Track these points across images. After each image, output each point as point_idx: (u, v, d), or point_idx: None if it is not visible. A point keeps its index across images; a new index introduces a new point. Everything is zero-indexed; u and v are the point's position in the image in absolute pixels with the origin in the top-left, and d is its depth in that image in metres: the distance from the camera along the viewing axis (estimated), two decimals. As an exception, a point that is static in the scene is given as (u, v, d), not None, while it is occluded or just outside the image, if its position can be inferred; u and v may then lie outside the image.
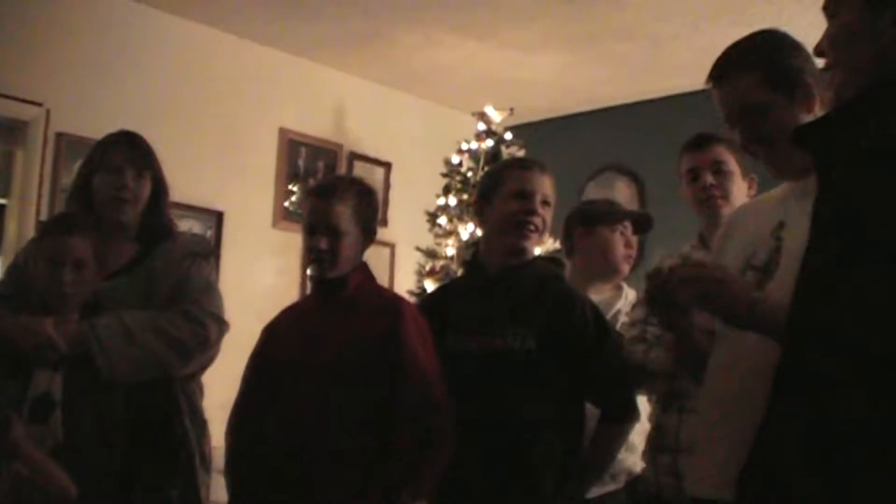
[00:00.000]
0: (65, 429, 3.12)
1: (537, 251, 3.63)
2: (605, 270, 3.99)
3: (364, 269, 3.40)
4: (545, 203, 3.33)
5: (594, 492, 3.51)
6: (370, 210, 3.39)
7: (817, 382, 1.63)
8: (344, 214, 3.25)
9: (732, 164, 3.49)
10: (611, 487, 3.66)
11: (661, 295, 2.43)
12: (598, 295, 3.80)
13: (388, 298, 3.41)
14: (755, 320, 2.24)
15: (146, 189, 3.55)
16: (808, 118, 2.45)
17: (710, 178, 3.47)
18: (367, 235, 3.37)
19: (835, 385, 1.60)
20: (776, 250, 2.45)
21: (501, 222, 3.36)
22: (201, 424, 3.52)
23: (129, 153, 3.53)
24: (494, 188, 3.40)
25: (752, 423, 2.27)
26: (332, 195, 3.29)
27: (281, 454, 3.17)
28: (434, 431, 3.08)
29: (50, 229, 3.49)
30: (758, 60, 2.52)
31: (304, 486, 3.09)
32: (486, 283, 3.37)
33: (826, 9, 1.99)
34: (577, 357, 3.22)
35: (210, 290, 3.58)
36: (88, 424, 3.17)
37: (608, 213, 4.02)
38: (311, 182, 6.89)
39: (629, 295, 3.97)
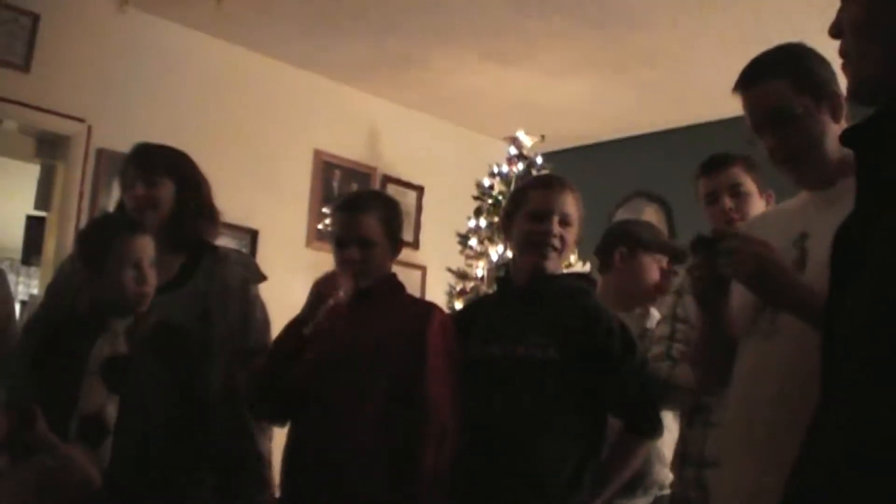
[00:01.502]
0: (115, 454, 3.09)
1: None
2: (639, 295, 4.00)
3: (393, 279, 3.45)
4: (565, 222, 3.32)
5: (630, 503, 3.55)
6: (396, 221, 3.44)
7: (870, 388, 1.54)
8: (372, 226, 3.31)
9: (749, 184, 3.49)
10: (641, 501, 3.68)
11: (705, 263, 2.43)
12: (626, 314, 3.81)
13: (422, 304, 3.48)
14: (797, 302, 2.27)
15: (163, 193, 3.59)
16: (835, 128, 2.46)
17: (728, 202, 3.47)
18: (395, 246, 3.43)
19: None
20: (800, 260, 2.45)
21: (521, 242, 3.38)
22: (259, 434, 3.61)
23: (137, 165, 3.60)
24: (516, 208, 3.42)
25: (778, 433, 2.27)
26: (359, 208, 3.35)
27: (312, 451, 3.21)
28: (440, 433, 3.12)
29: (113, 230, 3.39)
30: (788, 67, 2.53)
31: (334, 483, 3.12)
32: (514, 296, 3.39)
33: None
34: (601, 369, 3.21)
35: (268, 325, 3.68)
36: (143, 450, 3.15)
37: (653, 243, 4.03)
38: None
39: (656, 317, 3.97)
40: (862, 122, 1.80)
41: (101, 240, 3.35)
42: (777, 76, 2.52)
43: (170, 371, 3.27)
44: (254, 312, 3.64)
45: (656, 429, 3.34)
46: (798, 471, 1.69)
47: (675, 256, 4.05)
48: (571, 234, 3.37)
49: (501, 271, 3.93)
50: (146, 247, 3.29)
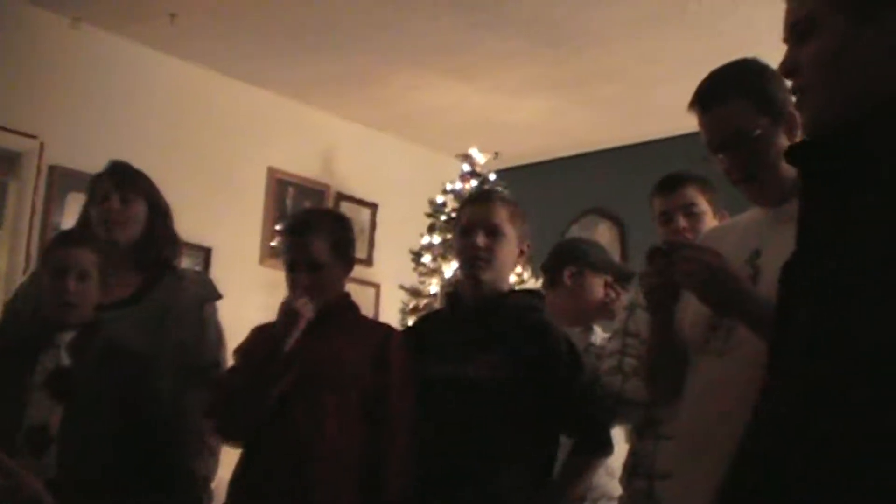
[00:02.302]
0: (58, 464, 3.11)
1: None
2: (585, 313, 4.00)
3: (347, 299, 3.46)
4: (493, 234, 3.32)
5: None
6: (346, 239, 3.43)
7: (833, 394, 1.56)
8: (321, 247, 3.29)
9: (703, 204, 3.49)
10: None
11: (659, 271, 2.44)
12: (569, 330, 3.83)
13: (379, 324, 3.51)
14: (749, 313, 2.29)
15: (136, 212, 3.62)
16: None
17: (682, 222, 3.46)
18: (347, 264, 3.43)
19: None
20: (753, 278, 2.45)
21: (458, 258, 3.47)
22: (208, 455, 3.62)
23: (113, 180, 3.62)
24: (455, 225, 3.50)
25: (730, 449, 2.33)
26: (306, 230, 3.34)
27: (278, 458, 3.20)
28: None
29: (56, 243, 3.52)
30: (748, 88, 2.53)
31: (300, 491, 3.13)
32: (464, 314, 3.40)
33: (796, 28, 1.82)
34: (551, 388, 3.23)
35: (223, 343, 3.71)
36: (83, 460, 3.17)
37: (601, 263, 4.04)
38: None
39: (599, 333, 4.00)
40: (807, 140, 1.83)
41: (45, 253, 3.51)
42: (737, 96, 2.52)
43: (114, 385, 3.28)
44: (209, 330, 3.67)
45: (606, 447, 3.37)
46: (736, 465, 1.72)
47: (623, 277, 4.08)
48: (504, 246, 3.36)
49: (450, 288, 3.92)
50: (79, 259, 3.32)
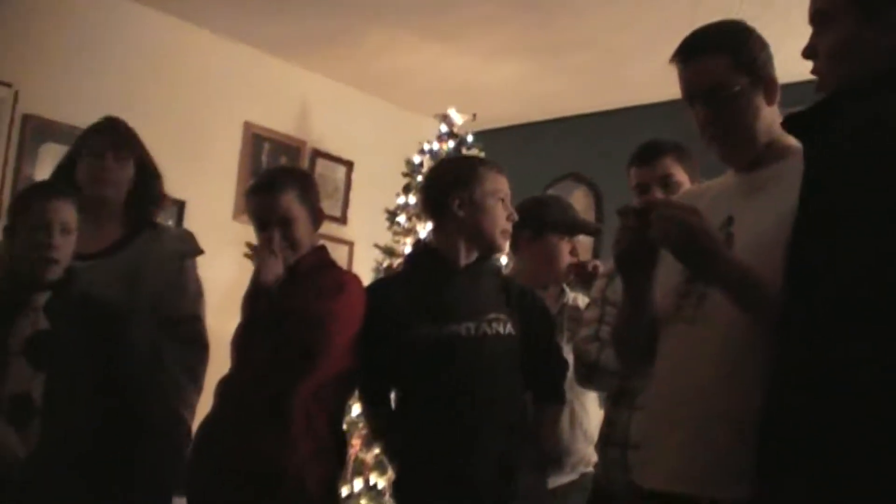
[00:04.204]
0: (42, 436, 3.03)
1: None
2: (550, 276, 4.00)
3: (322, 252, 3.48)
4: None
5: (552, 481, 3.61)
6: (312, 192, 3.47)
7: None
8: (290, 203, 3.34)
9: (680, 174, 3.49)
10: (568, 478, 3.75)
11: (631, 228, 2.39)
12: (543, 292, 3.85)
13: (339, 276, 3.44)
14: (724, 275, 2.28)
15: (127, 172, 3.64)
16: (768, 111, 2.48)
17: (658, 193, 3.46)
18: (315, 218, 3.45)
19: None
20: (726, 245, 2.40)
21: (492, 228, 3.41)
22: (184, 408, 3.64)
23: (110, 138, 3.62)
24: (473, 187, 3.40)
25: (702, 415, 2.33)
26: (274, 187, 3.38)
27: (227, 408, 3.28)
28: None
29: (33, 195, 3.33)
30: (729, 44, 2.51)
31: (240, 436, 3.19)
32: (455, 275, 3.41)
33: (815, 17, 2.06)
34: (533, 345, 3.35)
35: (202, 297, 3.76)
36: (66, 432, 3.07)
37: (560, 223, 4.01)
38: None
39: (570, 295, 4.02)
40: (805, 109, 1.87)
41: (18, 205, 3.31)
42: (718, 52, 2.50)
43: (93, 342, 3.22)
44: (187, 283, 3.67)
45: (561, 396, 3.52)
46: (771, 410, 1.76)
47: (589, 232, 4.07)
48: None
49: (416, 248, 3.89)
50: (59, 211, 3.20)
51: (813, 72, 2.07)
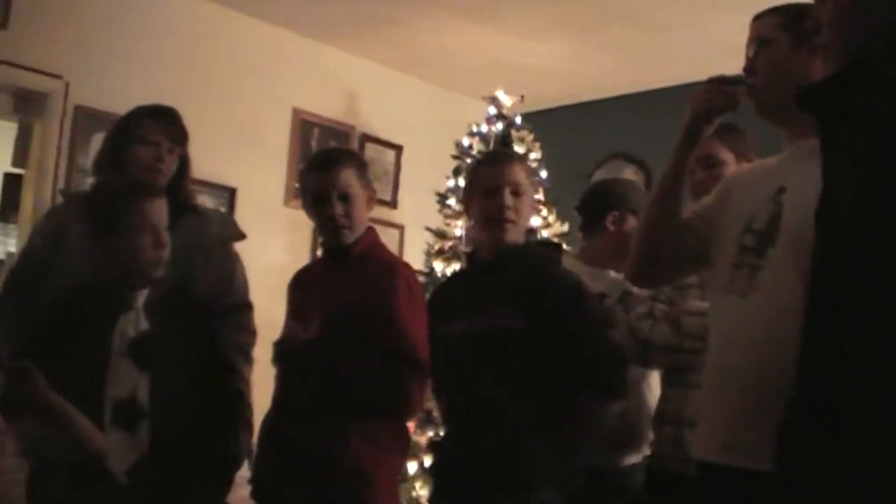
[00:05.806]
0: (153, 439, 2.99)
1: (545, 233, 3.69)
2: (624, 258, 3.95)
3: (372, 233, 3.47)
4: (516, 193, 3.39)
5: (620, 461, 3.65)
6: (368, 173, 3.49)
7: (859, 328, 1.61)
8: (350, 178, 3.34)
9: (723, 153, 3.51)
10: (631, 459, 3.73)
11: (721, 88, 2.65)
12: (615, 275, 3.86)
13: (390, 261, 3.47)
14: None
15: (175, 164, 3.65)
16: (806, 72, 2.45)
17: (701, 173, 3.47)
18: (370, 195, 3.46)
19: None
20: (776, 215, 2.46)
21: (479, 219, 3.48)
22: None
23: (166, 127, 3.63)
24: (471, 186, 3.56)
25: (753, 388, 2.34)
26: (334, 163, 3.37)
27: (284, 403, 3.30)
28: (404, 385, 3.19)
29: (128, 195, 3.22)
30: (788, 8, 2.58)
31: (291, 437, 3.21)
32: (481, 270, 3.47)
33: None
34: (555, 339, 3.23)
35: (246, 284, 3.78)
36: (181, 435, 3.02)
37: (640, 207, 3.95)
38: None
39: None
40: (819, 83, 1.85)
41: (115, 205, 3.18)
42: (774, 12, 2.59)
43: (191, 337, 3.20)
44: (235, 269, 3.68)
45: (612, 392, 3.37)
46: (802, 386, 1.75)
47: None
48: (525, 203, 3.45)
49: (468, 249, 3.98)
50: (162, 209, 3.19)
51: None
